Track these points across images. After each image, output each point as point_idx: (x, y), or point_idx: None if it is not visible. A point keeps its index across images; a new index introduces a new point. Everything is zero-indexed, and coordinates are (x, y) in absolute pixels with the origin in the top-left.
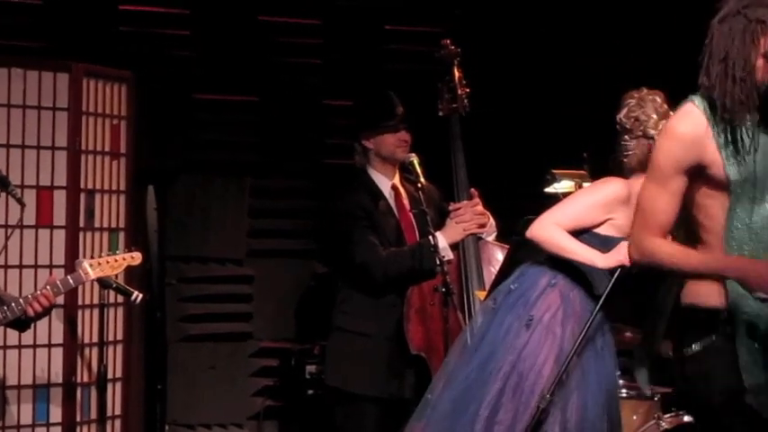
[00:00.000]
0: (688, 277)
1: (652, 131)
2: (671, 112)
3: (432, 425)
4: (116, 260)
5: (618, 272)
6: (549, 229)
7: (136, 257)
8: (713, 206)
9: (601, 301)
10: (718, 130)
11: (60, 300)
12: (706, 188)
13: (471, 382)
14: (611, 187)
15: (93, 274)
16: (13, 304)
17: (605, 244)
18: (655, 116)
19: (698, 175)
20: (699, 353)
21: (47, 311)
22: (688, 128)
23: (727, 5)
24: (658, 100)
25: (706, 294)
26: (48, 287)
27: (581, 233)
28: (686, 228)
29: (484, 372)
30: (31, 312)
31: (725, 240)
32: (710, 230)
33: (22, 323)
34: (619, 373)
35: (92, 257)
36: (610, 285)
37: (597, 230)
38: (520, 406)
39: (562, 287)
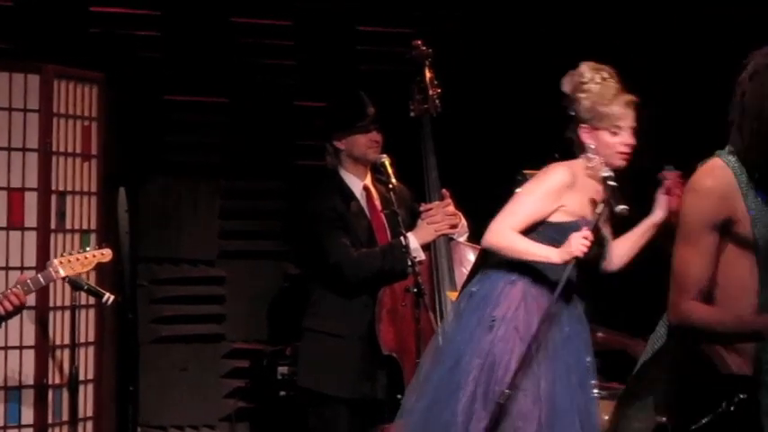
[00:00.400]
0: (722, 342)
1: (571, 110)
2: (609, 88)
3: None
4: (86, 257)
5: (572, 264)
6: (504, 236)
7: (106, 254)
8: (735, 264)
9: (559, 289)
10: (746, 188)
11: (32, 301)
12: (731, 245)
13: (442, 388)
14: (555, 176)
15: (63, 272)
16: None
17: (560, 231)
18: (575, 93)
19: (724, 232)
20: (711, 425)
21: (18, 310)
22: (714, 182)
23: (753, 61)
24: (583, 71)
25: (721, 359)
26: (18, 286)
27: (537, 224)
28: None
29: (453, 377)
30: (1, 311)
31: (759, 300)
32: (726, 288)
33: None
34: (589, 359)
35: (62, 255)
36: (564, 277)
37: (550, 219)
38: (495, 408)
39: (523, 284)
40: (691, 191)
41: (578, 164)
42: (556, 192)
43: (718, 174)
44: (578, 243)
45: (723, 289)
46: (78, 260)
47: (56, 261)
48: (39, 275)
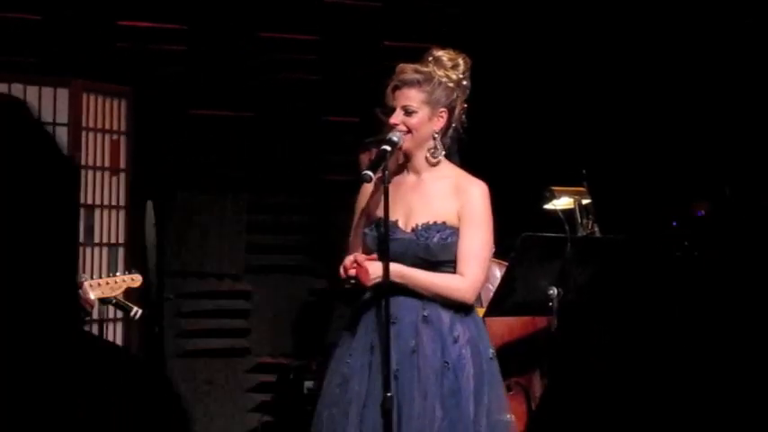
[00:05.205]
0: None
1: None
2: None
3: None
4: (116, 281)
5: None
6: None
7: (136, 280)
8: None
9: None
10: None
11: None
12: None
13: None
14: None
15: (93, 296)
16: None
17: None
18: None
19: None
20: None
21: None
22: None
23: None
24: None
25: None
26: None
27: None
28: None
29: None
30: None
31: None
32: None
33: None
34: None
35: (92, 278)
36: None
37: None
38: None
39: None
40: None
41: None
42: None
43: None
44: None
45: None
46: (108, 284)
47: (86, 284)
48: None
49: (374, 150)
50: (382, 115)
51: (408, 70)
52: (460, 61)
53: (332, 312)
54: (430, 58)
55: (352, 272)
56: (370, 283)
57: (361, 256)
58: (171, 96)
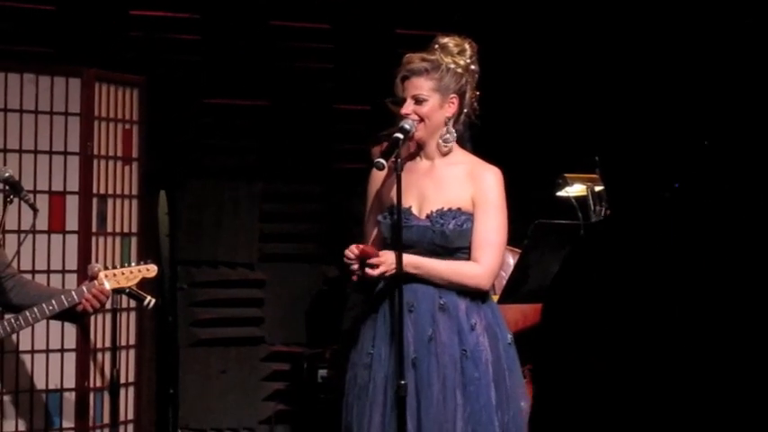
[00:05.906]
0: None
1: None
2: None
3: None
4: (132, 272)
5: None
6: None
7: (151, 270)
8: None
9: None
10: None
11: None
12: None
13: None
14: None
15: (108, 287)
16: (62, 296)
17: None
18: None
19: None
20: None
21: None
22: None
23: None
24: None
25: None
26: (83, 288)
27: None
28: None
29: None
30: (89, 308)
31: None
32: None
33: (74, 316)
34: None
35: (106, 268)
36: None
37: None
38: None
39: None
40: None
41: None
42: None
43: None
44: None
45: None
46: (124, 274)
47: (102, 274)
48: (83, 287)
49: (385, 145)
50: (392, 105)
51: (415, 59)
52: (467, 46)
53: (345, 301)
54: (436, 46)
55: (375, 260)
56: (387, 274)
57: (361, 247)
58: (183, 85)
